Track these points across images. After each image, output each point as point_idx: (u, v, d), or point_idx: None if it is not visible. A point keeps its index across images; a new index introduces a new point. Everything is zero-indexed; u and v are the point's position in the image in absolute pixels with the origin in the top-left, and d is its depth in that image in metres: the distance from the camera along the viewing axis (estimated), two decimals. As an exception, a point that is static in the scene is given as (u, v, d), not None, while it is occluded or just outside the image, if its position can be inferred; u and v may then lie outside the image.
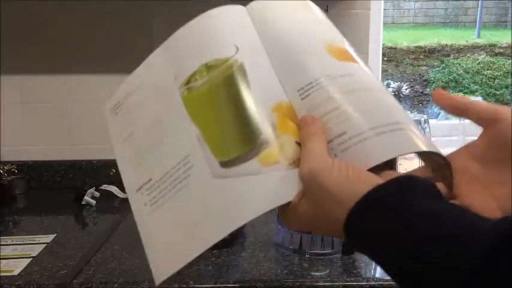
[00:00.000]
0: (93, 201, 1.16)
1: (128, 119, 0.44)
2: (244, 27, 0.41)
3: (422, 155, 0.37)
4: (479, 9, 6.27)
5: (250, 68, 0.39)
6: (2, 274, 0.77)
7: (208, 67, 0.39)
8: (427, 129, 1.12)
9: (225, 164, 0.36)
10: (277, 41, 0.41)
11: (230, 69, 0.38)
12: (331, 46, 0.41)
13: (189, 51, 0.42)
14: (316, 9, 0.45)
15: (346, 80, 0.38)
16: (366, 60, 1.35)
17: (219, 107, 0.37)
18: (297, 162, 0.36)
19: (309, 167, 0.34)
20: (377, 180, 0.32)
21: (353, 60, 0.41)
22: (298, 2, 0.45)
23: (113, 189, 1.24)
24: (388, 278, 0.52)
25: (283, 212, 0.36)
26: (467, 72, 5.55)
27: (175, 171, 0.38)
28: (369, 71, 0.41)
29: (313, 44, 0.41)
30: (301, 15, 0.43)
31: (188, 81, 0.39)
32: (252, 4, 0.43)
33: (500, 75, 5.52)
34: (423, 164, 0.39)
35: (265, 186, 0.35)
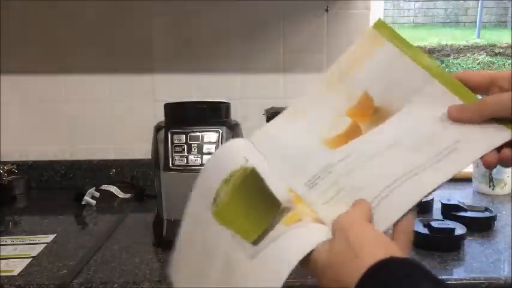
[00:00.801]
0: (93, 201, 1.16)
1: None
2: (249, 148, 0.47)
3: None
4: (479, 9, 6.27)
5: (260, 169, 0.44)
6: (2, 274, 0.77)
7: (227, 180, 0.44)
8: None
9: (256, 241, 0.40)
10: (281, 152, 0.47)
11: (245, 171, 0.44)
12: (327, 139, 0.45)
13: (211, 177, 0.48)
14: (309, 109, 0.49)
15: (345, 163, 0.42)
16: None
17: (243, 203, 0.43)
18: (318, 220, 0.40)
19: (341, 220, 0.38)
20: (392, 249, 0.35)
21: (353, 136, 0.44)
22: (289, 112, 0.49)
23: (113, 189, 1.24)
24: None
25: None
26: (467, 72, 5.53)
27: (221, 268, 0.43)
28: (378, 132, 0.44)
29: (310, 144, 0.45)
30: (296, 124, 0.48)
31: (215, 199, 0.45)
32: (251, 137, 0.49)
33: (500, 75, 5.49)
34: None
35: (293, 239, 0.39)
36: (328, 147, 0.44)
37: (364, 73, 0.46)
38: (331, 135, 0.45)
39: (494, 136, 0.38)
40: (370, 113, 0.44)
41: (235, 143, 0.49)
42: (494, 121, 0.39)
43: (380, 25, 0.46)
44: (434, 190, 0.38)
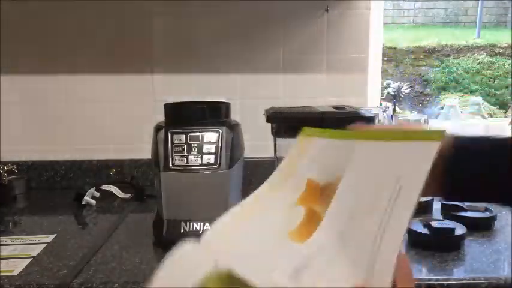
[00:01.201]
0: (93, 201, 1.16)
1: None
2: (207, 249, 0.45)
3: None
4: (479, 9, 6.27)
5: (238, 269, 0.40)
6: (2, 274, 0.77)
7: None
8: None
9: None
10: (245, 249, 0.44)
11: (220, 275, 0.41)
12: (291, 232, 0.45)
13: None
14: (257, 208, 0.48)
15: (322, 253, 0.42)
16: (365, 60, 1.37)
17: None
18: None
19: None
20: None
21: (313, 221, 0.44)
22: (235, 212, 0.48)
23: (113, 189, 1.24)
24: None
25: None
26: (467, 72, 5.55)
27: None
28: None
29: (274, 239, 0.44)
30: (248, 221, 0.47)
31: None
32: (201, 239, 0.46)
33: (500, 75, 5.52)
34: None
35: None
36: (294, 240, 0.43)
37: (303, 166, 0.49)
38: (293, 227, 0.45)
39: (426, 153, 0.39)
40: (318, 194, 0.46)
41: (188, 246, 0.45)
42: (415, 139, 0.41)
43: (305, 132, 0.52)
44: (409, 225, 0.39)
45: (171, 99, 0.96)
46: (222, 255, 0.43)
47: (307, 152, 0.51)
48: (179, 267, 0.45)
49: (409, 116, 1.16)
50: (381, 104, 1.40)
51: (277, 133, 0.88)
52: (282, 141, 0.90)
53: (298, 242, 0.43)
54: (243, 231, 0.46)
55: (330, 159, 0.48)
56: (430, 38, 5.85)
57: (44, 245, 0.90)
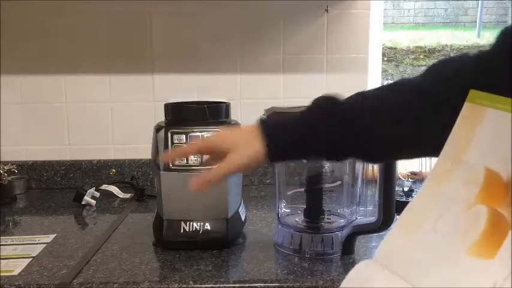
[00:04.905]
0: (93, 201, 1.16)
1: None
2: (380, 271, 0.42)
3: None
4: (479, 9, 6.27)
5: None
6: (2, 274, 0.77)
7: None
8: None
9: None
10: (420, 271, 0.39)
11: None
12: (471, 245, 0.37)
13: None
14: (425, 215, 0.41)
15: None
16: (365, 60, 1.37)
17: None
18: None
19: None
20: None
21: (501, 230, 0.36)
22: (400, 224, 0.43)
23: (113, 189, 1.24)
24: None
25: None
26: (467, 72, 5.53)
27: None
28: None
29: (455, 258, 0.38)
30: (418, 235, 0.40)
31: None
32: (376, 257, 0.43)
33: (500, 75, 5.50)
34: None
35: None
36: (478, 256, 0.34)
37: (476, 150, 0.38)
38: (473, 238, 0.35)
39: None
40: (504, 191, 0.35)
41: (363, 268, 0.41)
42: None
43: (474, 99, 0.40)
44: None
45: (171, 99, 0.96)
46: (405, 277, 0.37)
47: (479, 129, 0.39)
48: None
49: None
50: (380, 104, 1.40)
51: (277, 133, 0.88)
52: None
53: (485, 256, 0.34)
54: (420, 244, 0.38)
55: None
56: (430, 38, 5.85)
57: (44, 245, 0.90)
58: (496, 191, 0.36)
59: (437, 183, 0.40)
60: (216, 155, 0.66)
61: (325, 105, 0.63)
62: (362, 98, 0.63)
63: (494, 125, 0.38)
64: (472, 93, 0.40)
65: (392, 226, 0.42)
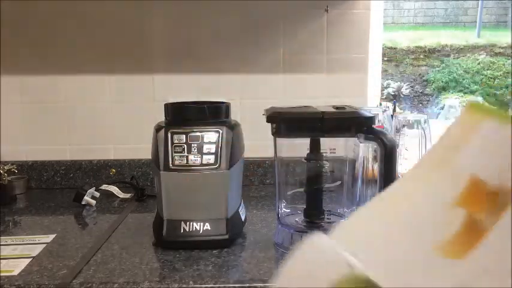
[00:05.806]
0: (93, 201, 1.16)
1: None
2: (339, 248, 0.41)
3: None
4: (479, 9, 6.27)
5: (376, 277, 0.37)
6: (2, 274, 0.77)
7: None
8: (427, 130, 1.12)
9: None
10: (382, 257, 0.38)
11: (356, 280, 0.37)
12: (445, 241, 0.38)
13: None
14: (402, 199, 0.40)
15: (482, 277, 0.36)
16: (365, 60, 1.37)
17: None
18: None
19: None
20: None
21: (472, 234, 0.35)
22: (374, 204, 0.42)
23: (113, 189, 1.24)
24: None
25: None
26: (467, 72, 5.55)
27: None
28: None
29: (419, 249, 0.37)
30: (388, 218, 0.40)
31: None
32: (331, 234, 0.42)
33: (500, 75, 5.52)
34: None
35: None
36: (448, 253, 0.34)
37: (466, 158, 0.38)
38: (445, 237, 0.35)
39: None
40: (484, 197, 0.36)
41: (319, 241, 0.42)
42: None
43: (472, 110, 0.39)
44: None
45: (171, 100, 0.96)
46: (360, 257, 0.35)
47: (472, 139, 0.39)
48: (311, 263, 0.39)
49: (408, 116, 1.15)
50: (380, 104, 1.40)
51: (277, 133, 0.88)
52: (282, 141, 0.90)
53: (454, 256, 0.34)
54: (386, 232, 0.38)
55: (506, 151, 0.36)
56: (430, 38, 5.85)
57: (44, 245, 0.90)
58: (477, 195, 0.36)
59: (413, 179, 0.40)
60: None
61: None
62: None
63: (489, 133, 0.37)
64: (470, 104, 0.40)
65: (361, 210, 0.40)
